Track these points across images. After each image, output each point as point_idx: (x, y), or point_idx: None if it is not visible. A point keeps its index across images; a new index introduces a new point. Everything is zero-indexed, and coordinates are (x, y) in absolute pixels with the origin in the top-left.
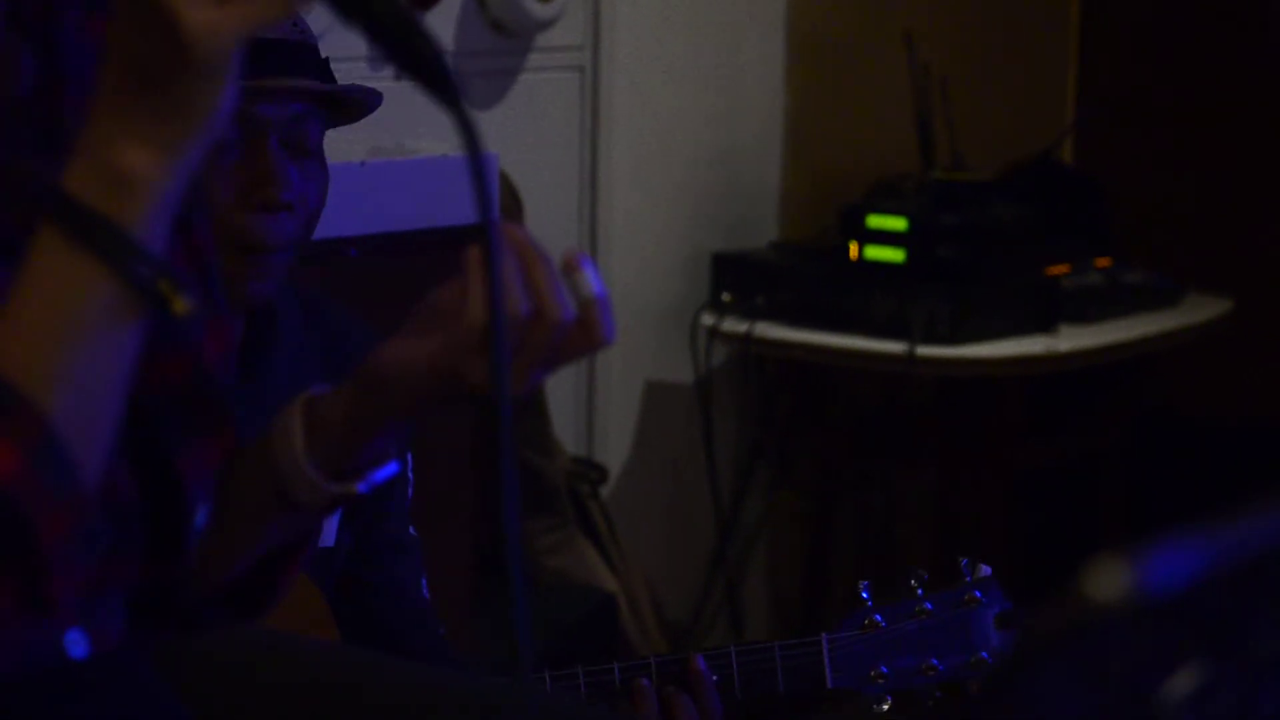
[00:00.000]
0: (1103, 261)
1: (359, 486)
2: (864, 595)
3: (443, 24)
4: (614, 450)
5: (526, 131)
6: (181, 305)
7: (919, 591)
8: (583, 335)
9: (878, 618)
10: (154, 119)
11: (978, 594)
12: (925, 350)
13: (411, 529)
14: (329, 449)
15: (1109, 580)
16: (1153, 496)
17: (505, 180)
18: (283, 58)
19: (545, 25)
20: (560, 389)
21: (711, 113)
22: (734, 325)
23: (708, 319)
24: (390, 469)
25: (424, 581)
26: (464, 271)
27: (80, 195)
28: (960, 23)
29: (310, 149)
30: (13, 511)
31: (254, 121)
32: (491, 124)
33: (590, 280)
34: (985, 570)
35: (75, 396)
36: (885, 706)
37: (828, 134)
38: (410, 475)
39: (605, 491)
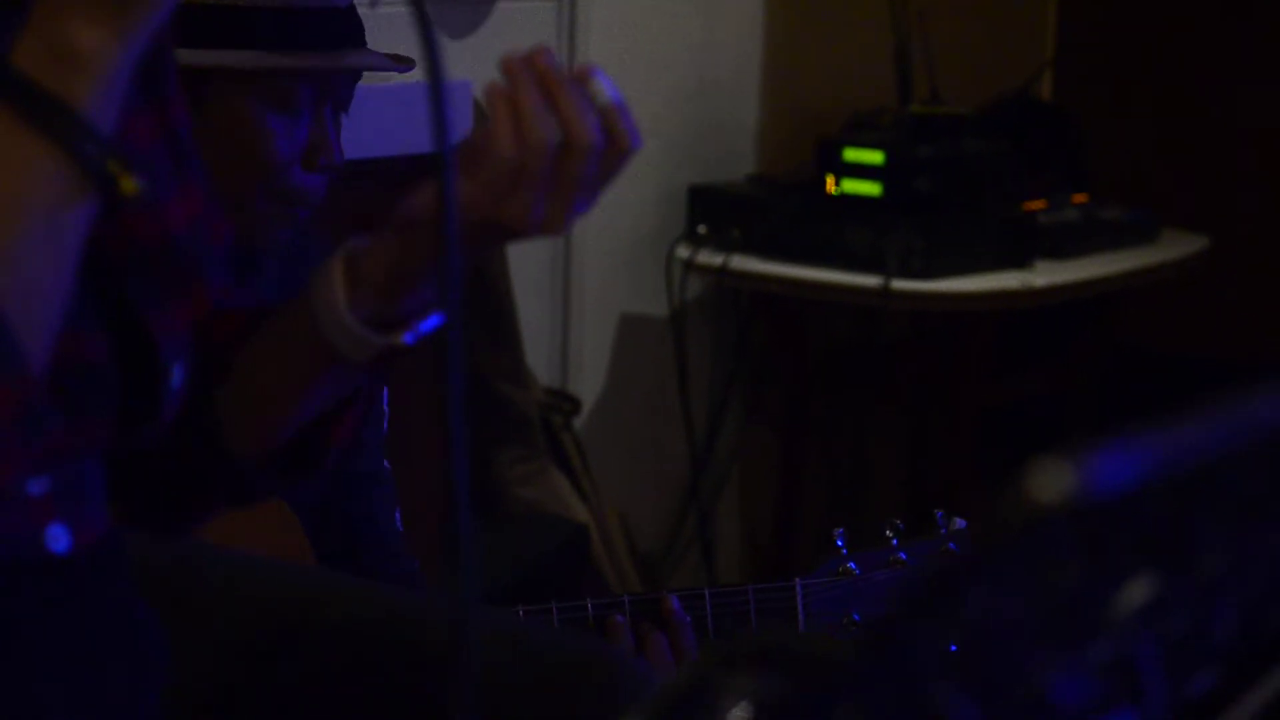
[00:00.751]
0: (1079, 197)
1: (405, 337)
2: (839, 543)
3: None
4: (588, 382)
5: (501, 54)
6: (130, 185)
7: (894, 541)
8: (610, 146)
9: (852, 565)
10: None
11: (952, 546)
12: (900, 284)
13: (385, 462)
14: (372, 300)
15: (1052, 482)
16: (1126, 431)
17: (480, 112)
18: (345, 27)
19: None
20: (534, 320)
21: (689, 45)
22: (709, 258)
23: (683, 251)
24: (434, 320)
25: (397, 514)
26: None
27: (27, 71)
28: None
29: (347, 111)
30: None
31: (322, 91)
32: (467, 53)
33: (605, 87)
34: (960, 523)
35: (19, 278)
36: None
37: (805, 67)
38: (385, 409)
39: (578, 423)
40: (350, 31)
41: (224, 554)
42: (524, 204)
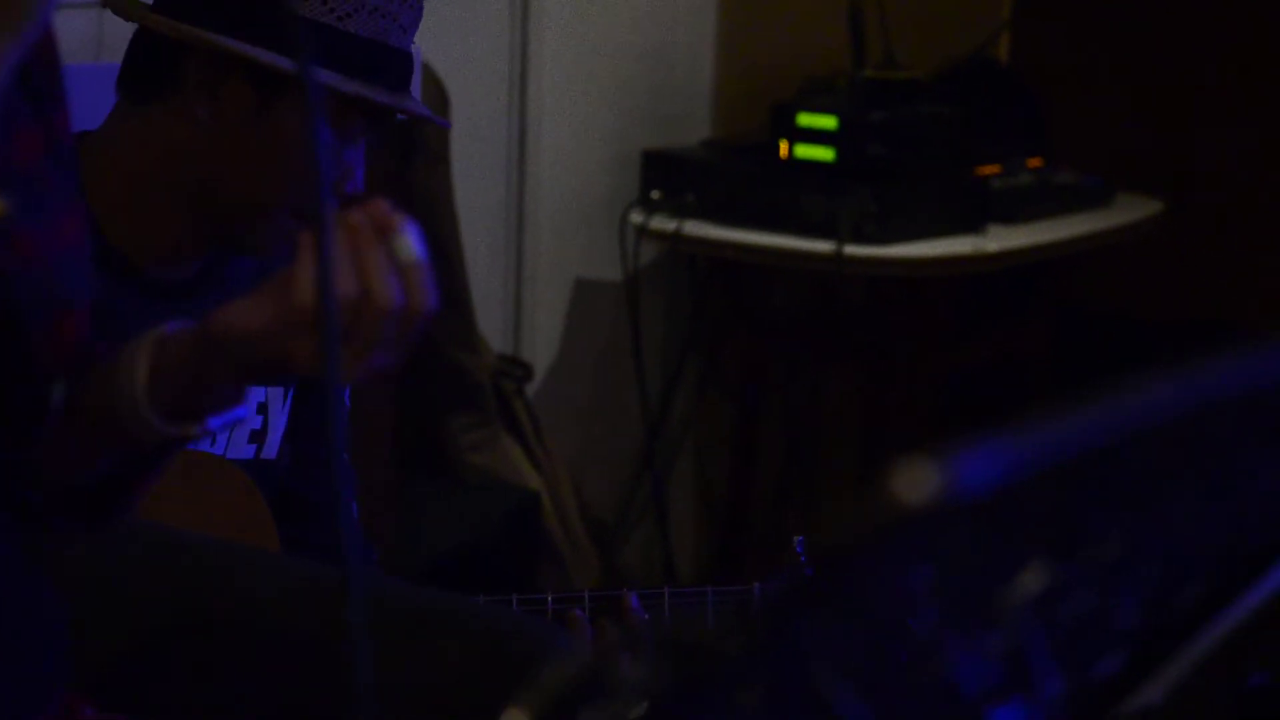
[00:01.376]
0: (1034, 161)
1: (197, 429)
2: (798, 550)
3: None
4: (540, 348)
5: (454, 23)
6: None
7: None
8: (407, 306)
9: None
10: None
11: None
12: (853, 250)
13: (345, 454)
14: (171, 390)
15: (916, 481)
16: (1079, 395)
17: (430, 74)
18: (410, 71)
19: None
20: (487, 285)
21: (643, 8)
22: (663, 223)
23: (636, 217)
24: (234, 414)
25: (355, 506)
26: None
27: None
28: None
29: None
30: None
31: (375, 125)
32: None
33: (412, 244)
34: None
35: None
36: None
37: (759, 30)
38: (346, 402)
39: (531, 389)
40: (410, 75)
41: (140, 529)
42: (314, 351)
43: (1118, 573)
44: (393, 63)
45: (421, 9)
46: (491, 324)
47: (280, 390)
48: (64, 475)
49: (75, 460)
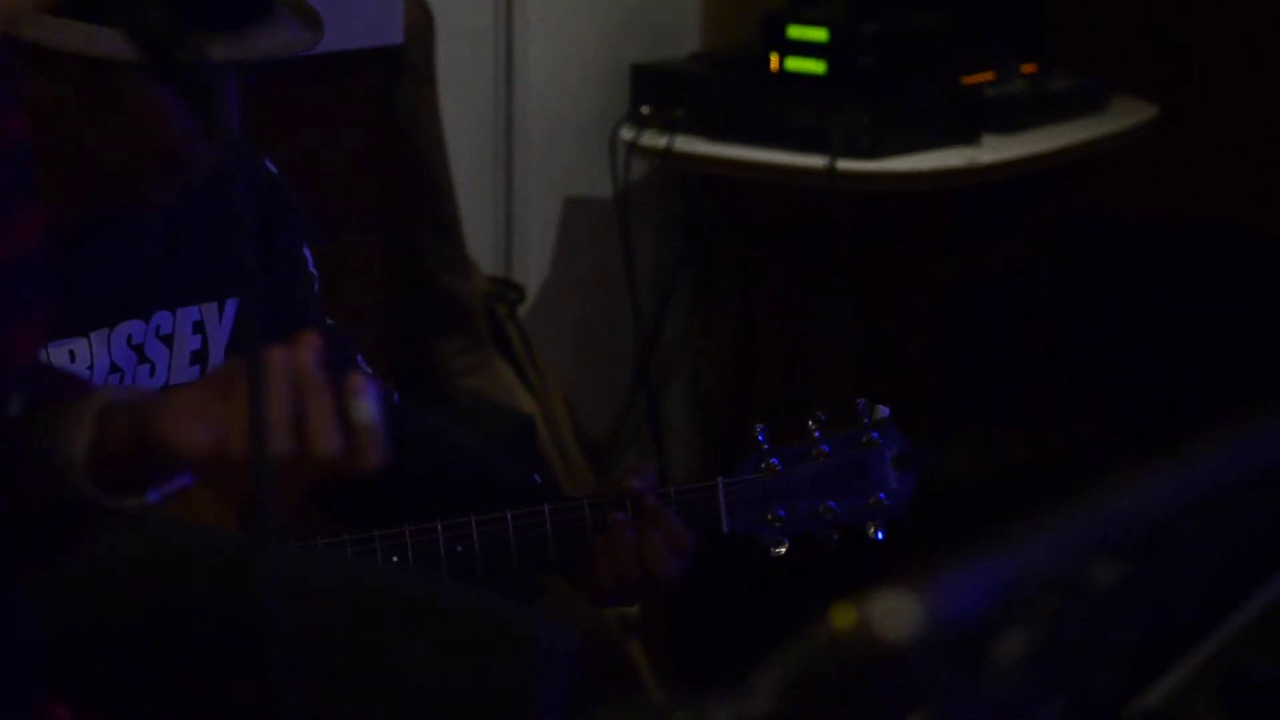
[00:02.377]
0: (1028, 67)
1: (138, 502)
2: (760, 439)
3: None
4: (532, 268)
5: None
6: None
7: (816, 434)
8: (350, 460)
9: (774, 461)
10: None
11: (875, 435)
12: (845, 164)
13: (329, 320)
14: (111, 465)
15: (897, 615)
16: (1079, 300)
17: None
18: (238, 4)
19: None
20: (476, 206)
21: None
22: (653, 139)
23: (627, 133)
24: (179, 482)
25: (360, 359)
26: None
27: None
28: None
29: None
30: None
31: (228, 72)
32: None
33: (367, 407)
34: (883, 411)
35: None
36: (782, 550)
37: None
38: (314, 271)
39: (523, 310)
40: (259, 5)
41: None
42: (244, 484)
43: (1113, 602)
44: (222, 3)
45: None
46: (481, 246)
47: (215, 304)
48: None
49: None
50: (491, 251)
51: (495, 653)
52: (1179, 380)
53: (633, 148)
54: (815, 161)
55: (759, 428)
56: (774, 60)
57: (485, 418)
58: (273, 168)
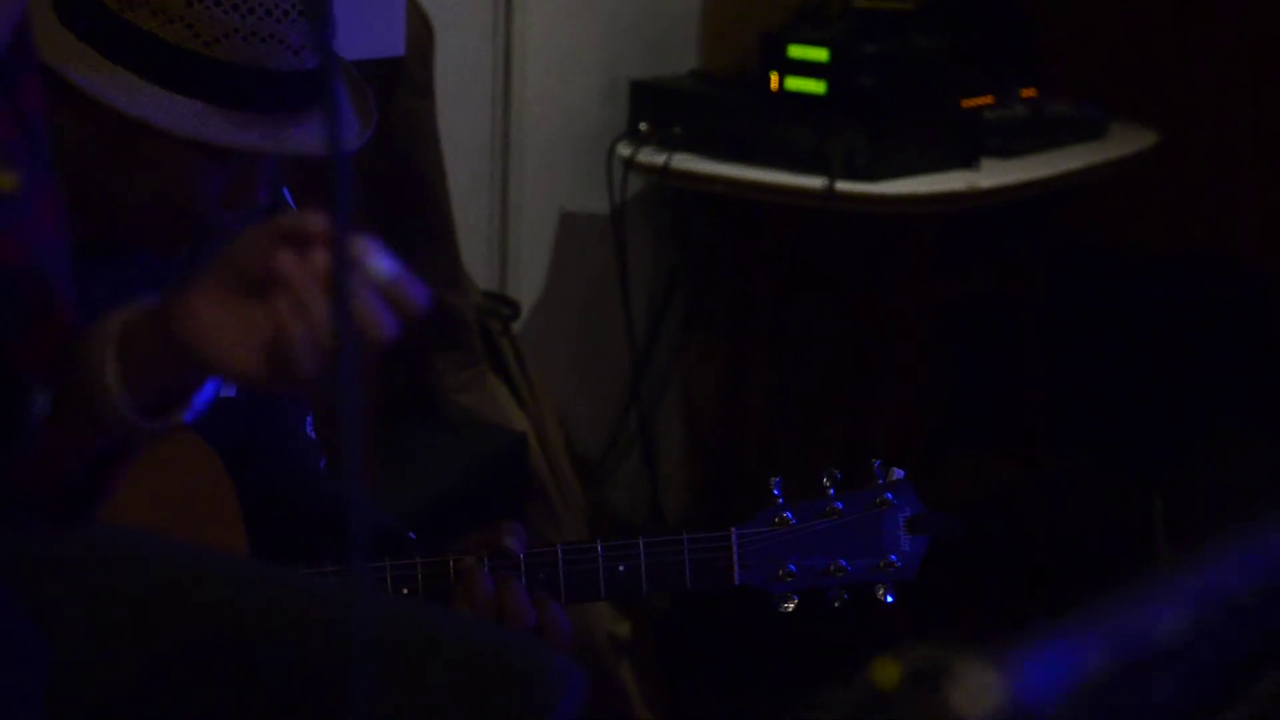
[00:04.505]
0: (1028, 91)
1: (183, 416)
2: (775, 492)
3: None
4: (527, 283)
5: None
6: (8, 181)
7: (830, 491)
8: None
9: (788, 515)
10: None
11: (890, 496)
12: (844, 186)
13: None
14: (145, 381)
15: (978, 693)
16: (1074, 330)
17: (414, 6)
18: (304, 89)
19: None
20: (471, 221)
21: None
22: (651, 156)
23: (624, 149)
24: (210, 389)
25: (309, 420)
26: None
27: None
28: None
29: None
30: None
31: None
32: None
33: (383, 264)
34: (898, 473)
35: None
36: (790, 606)
37: None
38: None
39: (517, 326)
40: (307, 96)
41: (112, 535)
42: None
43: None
44: (273, 88)
45: (327, 23)
46: (477, 261)
47: None
48: (40, 476)
49: (50, 460)
50: (486, 266)
51: (509, 684)
52: (1170, 409)
53: (630, 164)
54: (813, 182)
55: (775, 481)
56: (773, 79)
57: (477, 435)
58: (290, 199)
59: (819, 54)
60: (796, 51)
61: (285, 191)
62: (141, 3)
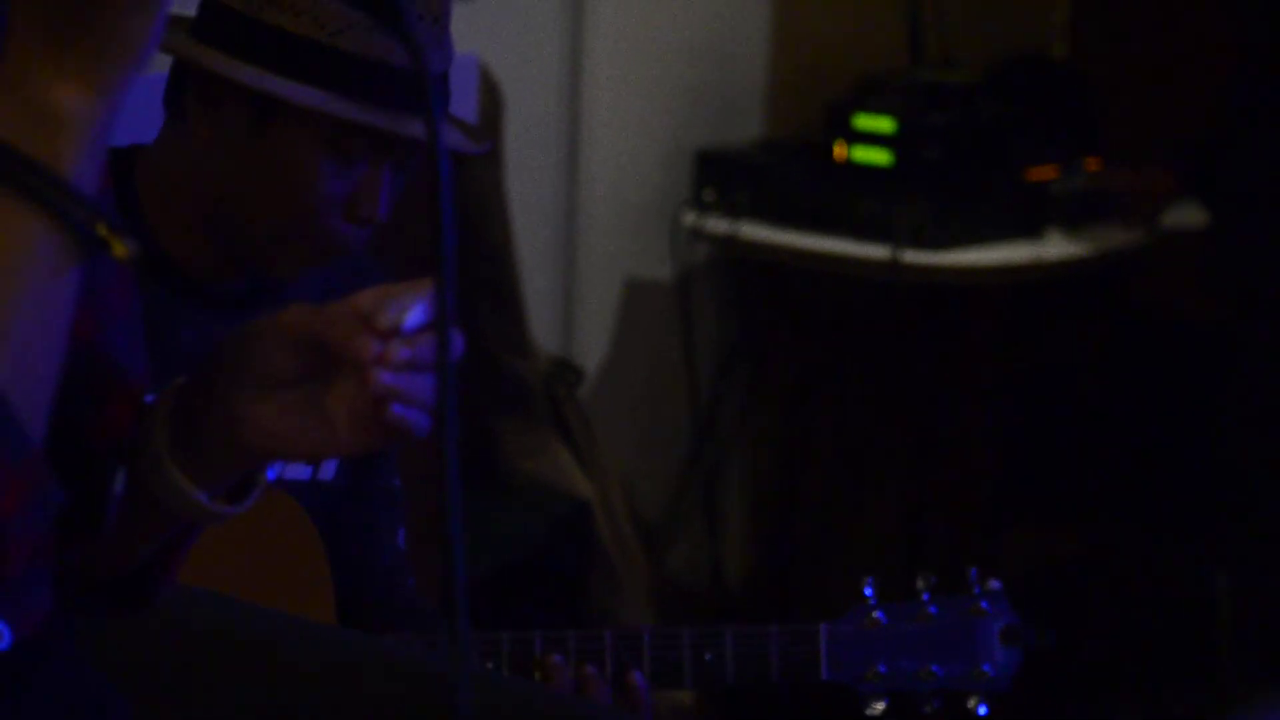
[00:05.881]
0: (1093, 161)
1: (248, 503)
2: (867, 592)
3: None
4: (591, 349)
5: (508, 21)
6: (122, 249)
7: (924, 594)
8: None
9: (879, 615)
10: (84, 53)
11: (985, 605)
12: (909, 256)
13: (397, 479)
14: (209, 471)
15: None
16: (1137, 401)
17: (486, 74)
18: (414, 90)
19: None
20: (538, 286)
21: (697, 3)
22: (716, 224)
23: (689, 217)
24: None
25: (401, 531)
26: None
27: (6, 137)
28: None
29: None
30: None
31: (383, 149)
32: (473, 13)
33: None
34: (996, 584)
35: (17, 353)
36: (880, 707)
37: (813, 25)
38: None
39: (582, 391)
40: (423, 93)
41: (199, 600)
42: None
43: None
44: (393, 82)
45: (444, 23)
46: (542, 325)
47: None
48: (111, 562)
49: (122, 546)
50: (552, 332)
51: None
52: (1235, 483)
53: (695, 232)
54: (878, 252)
55: (868, 580)
56: (839, 149)
57: (541, 501)
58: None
59: (885, 124)
60: (862, 121)
61: (377, 271)
62: (269, 2)
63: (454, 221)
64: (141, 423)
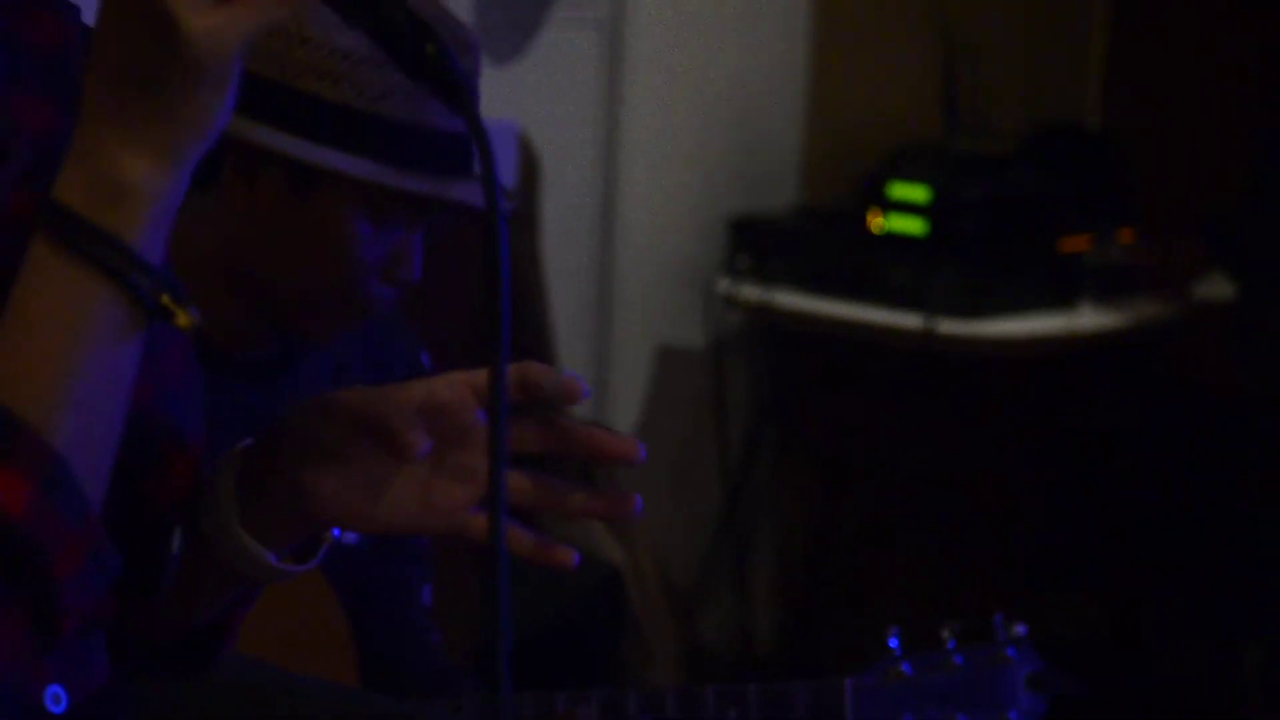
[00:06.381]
0: (1126, 232)
1: (317, 560)
2: (892, 643)
3: None
4: (624, 414)
5: (546, 89)
6: (185, 318)
7: (949, 644)
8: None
9: (904, 667)
10: (152, 125)
11: (1010, 652)
12: (943, 325)
13: (424, 537)
14: (275, 533)
15: None
16: (1170, 473)
17: (524, 143)
18: (461, 154)
19: None
20: (572, 352)
21: (731, 71)
22: (749, 292)
23: (723, 284)
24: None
25: (428, 588)
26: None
27: (76, 206)
28: None
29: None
30: (26, 546)
31: (421, 213)
32: (511, 81)
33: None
34: (1021, 629)
35: (80, 419)
36: None
37: (848, 93)
38: None
39: None
40: (464, 158)
41: (233, 665)
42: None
43: None
44: (435, 146)
45: (475, 83)
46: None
47: None
48: (173, 622)
49: (184, 606)
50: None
51: None
52: (1267, 556)
53: (728, 299)
54: (911, 321)
55: (893, 629)
56: (874, 217)
57: (573, 570)
58: (426, 359)
59: (919, 193)
60: (897, 190)
61: (424, 357)
62: (307, 69)
63: (509, 290)
64: (202, 487)
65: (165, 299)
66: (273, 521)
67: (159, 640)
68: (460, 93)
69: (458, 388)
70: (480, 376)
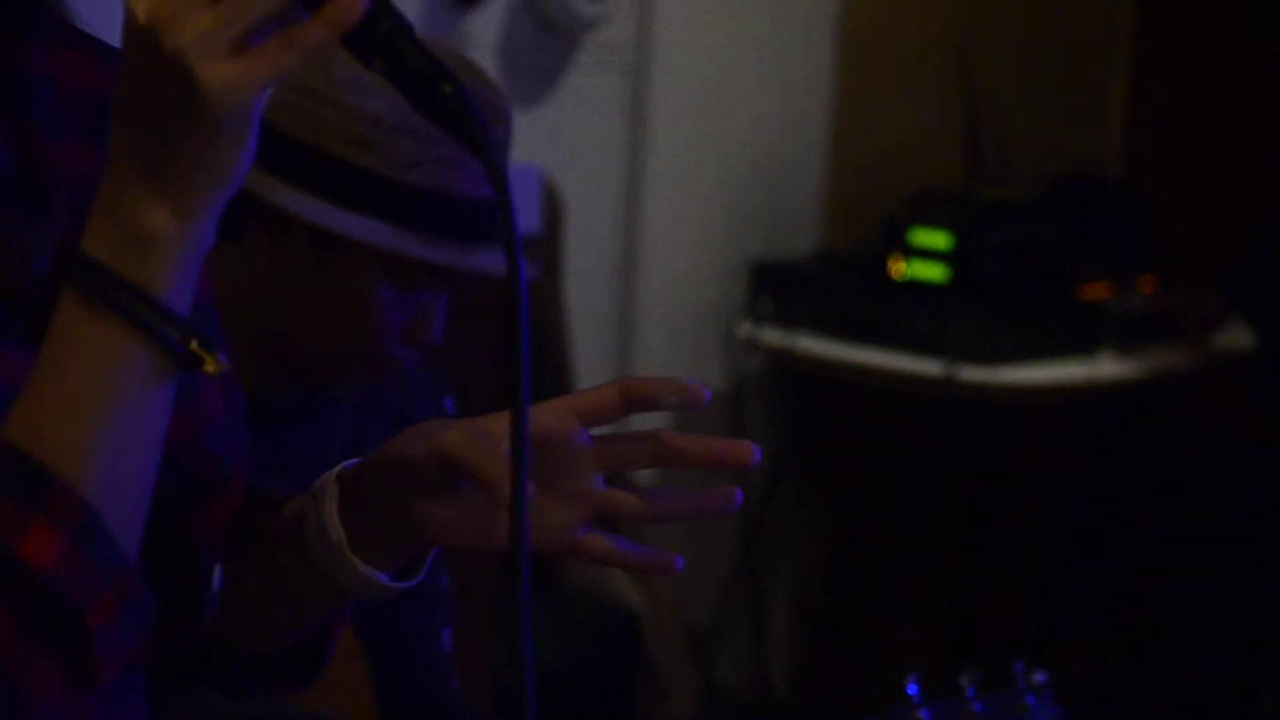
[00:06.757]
0: (1147, 280)
1: (421, 576)
2: (910, 690)
3: (491, 19)
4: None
5: (569, 132)
6: (214, 365)
7: (969, 691)
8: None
9: (923, 714)
10: (173, 175)
11: (1029, 700)
12: (963, 372)
13: (445, 580)
14: (374, 534)
15: None
16: (1186, 519)
17: (548, 187)
18: (485, 221)
19: (593, 24)
20: None
21: (754, 117)
22: (770, 336)
23: (744, 328)
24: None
25: (448, 631)
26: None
27: (101, 258)
28: (1010, 33)
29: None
30: (60, 599)
31: (443, 280)
32: (535, 124)
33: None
34: (1041, 677)
35: (111, 470)
36: None
37: (871, 140)
38: None
39: None
40: (490, 225)
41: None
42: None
43: None
44: (460, 214)
45: (505, 154)
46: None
47: None
48: (269, 644)
49: (287, 625)
50: None
51: None
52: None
53: (749, 343)
54: (931, 367)
55: (912, 677)
56: (895, 263)
57: (591, 612)
58: (450, 404)
59: (941, 239)
60: (919, 236)
61: (448, 402)
62: (337, 134)
63: (530, 339)
64: (280, 516)
65: (194, 346)
66: (383, 544)
67: (264, 655)
68: (476, 135)
69: (559, 413)
70: (581, 400)
